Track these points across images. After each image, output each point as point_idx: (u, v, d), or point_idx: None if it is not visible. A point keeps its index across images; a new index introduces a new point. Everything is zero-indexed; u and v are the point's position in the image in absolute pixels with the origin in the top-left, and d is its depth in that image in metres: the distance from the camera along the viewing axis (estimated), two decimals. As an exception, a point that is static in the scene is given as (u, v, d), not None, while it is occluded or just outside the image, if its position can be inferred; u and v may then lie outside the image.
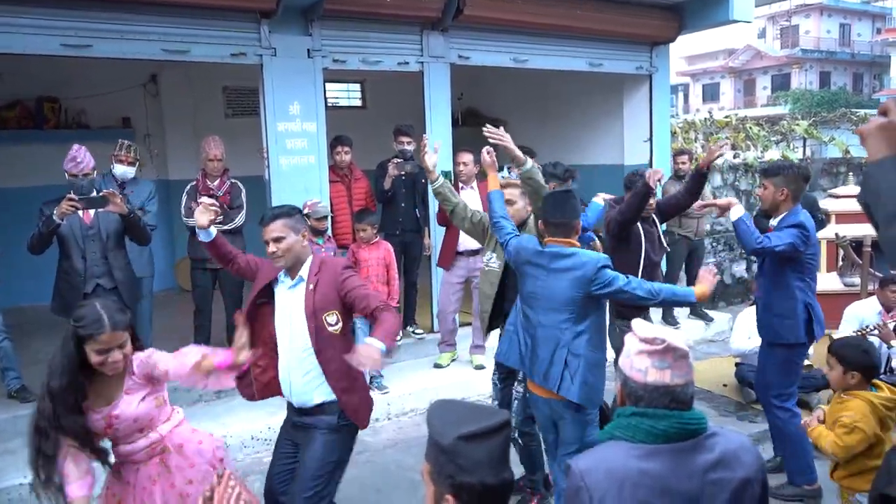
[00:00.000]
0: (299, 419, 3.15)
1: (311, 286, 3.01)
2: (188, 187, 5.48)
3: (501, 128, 3.76)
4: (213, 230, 3.30)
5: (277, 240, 2.99)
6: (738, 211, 3.95)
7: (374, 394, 5.34)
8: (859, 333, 4.95)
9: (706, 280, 3.34)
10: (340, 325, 3.02)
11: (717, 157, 4.49)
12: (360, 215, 5.34)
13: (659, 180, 4.37)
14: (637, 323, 1.73)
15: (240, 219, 5.45)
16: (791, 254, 3.84)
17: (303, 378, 3.06)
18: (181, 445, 2.76)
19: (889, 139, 1.45)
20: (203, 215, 3.19)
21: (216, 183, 5.41)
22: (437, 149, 4.08)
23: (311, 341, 3.00)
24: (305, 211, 4.86)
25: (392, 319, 2.88)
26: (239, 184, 5.53)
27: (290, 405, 3.22)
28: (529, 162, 3.74)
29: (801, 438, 3.96)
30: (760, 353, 4.26)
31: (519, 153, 3.71)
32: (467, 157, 5.66)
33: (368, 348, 2.71)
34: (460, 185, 5.71)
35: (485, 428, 1.51)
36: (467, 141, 9.35)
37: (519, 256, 3.32)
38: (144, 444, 2.70)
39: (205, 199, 3.42)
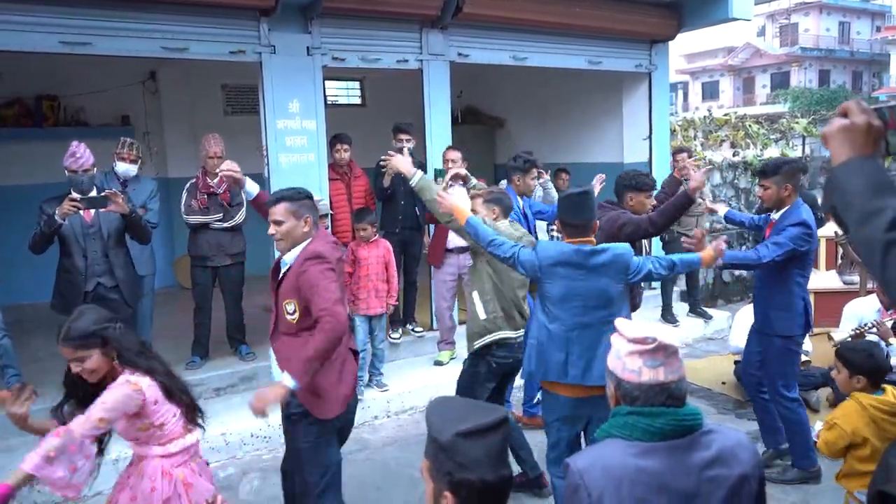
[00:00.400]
0: None
1: (287, 271, 3.06)
2: (188, 185, 5.48)
3: (405, 150, 3.87)
4: (253, 187, 3.42)
5: (277, 223, 3.03)
6: (718, 256, 3.74)
7: (373, 391, 5.38)
8: (857, 332, 4.96)
9: (714, 247, 3.59)
10: (297, 315, 3.00)
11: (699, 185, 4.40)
12: (359, 214, 5.35)
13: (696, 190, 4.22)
14: (621, 322, 1.73)
15: (240, 216, 5.45)
16: (793, 254, 3.90)
17: (275, 360, 3.16)
18: (141, 475, 2.65)
19: (852, 141, 1.44)
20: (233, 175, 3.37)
21: (216, 180, 5.40)
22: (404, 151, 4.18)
23: (270, 325, 3.11)
24: None
25: (317, 343, 2.80)
26: None
27: None
28: (416, 176, 3.86)
29: (806, 423, 4.14)
30: (755, 347, 4.32)
31: (407, 167, 3.92)
32: (455, 155, 5.71)
33: (266, 392, 2.80)
34: (449, 182, 5.73)
35: (483, 425, 1.51)
36: (467, 139, 9.41)
37: (543, 261, 3.24)
38: (132, 451, 2.72)
39: (226, 164, 3.43)
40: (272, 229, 3.05)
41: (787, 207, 4.02)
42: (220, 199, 5.37)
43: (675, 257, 3.51)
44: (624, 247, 3.28)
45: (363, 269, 5.16)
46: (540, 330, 3.32)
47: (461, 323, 6.14)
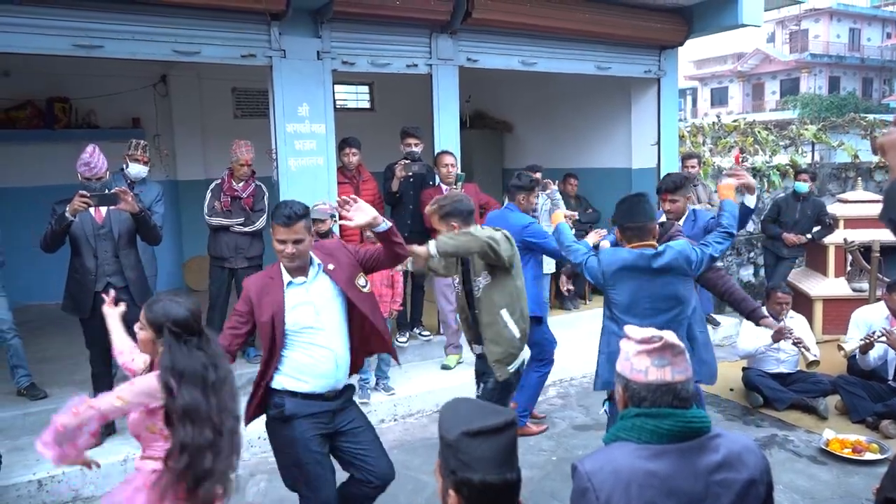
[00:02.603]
0: (331, 404, 3.13)
1: (332, 266, 3.10)
2: (213, 185, 5.53)
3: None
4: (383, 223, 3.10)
5: (298, 241, 2.95)
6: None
7: (380, 395, 5.39)
8: (867, 341, 4.94)
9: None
10: (368, 285, 3.23)
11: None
12: None
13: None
14: (629, 328, 1.74)
15: (261, 222, 5.49)
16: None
17: (345, 358, 3.16)
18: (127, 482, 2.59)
19: None
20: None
21: (241, 185, 5.45)
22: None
23: (346, 314, 3.16)
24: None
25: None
26: (262, 186, 5.55)
27: (310, 400, 3.08)
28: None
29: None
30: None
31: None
32: (452, 160, 5.83)
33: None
34: (444, 186, 5.79)
35: (489, 426, 1.51)
36: (475, 143, 9.42)
37: (607, 269, 3.27)
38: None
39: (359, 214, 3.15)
40: (292, 248, 2.94)
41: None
42: (242, 204, 5.41)
43: (722, 218, 3.54)
44: (681, 243, 3.30)
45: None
46: (610, 338, 3.32)
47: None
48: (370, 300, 3.23)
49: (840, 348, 5.00)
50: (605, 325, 3.42)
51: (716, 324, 7.30)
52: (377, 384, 5.43)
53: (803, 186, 7.35)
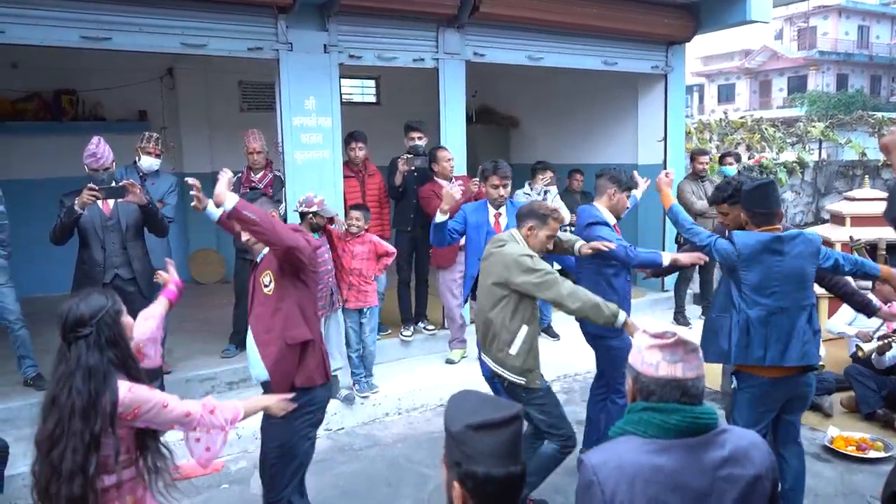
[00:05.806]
0: None
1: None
2: (234, 179, 5.55)
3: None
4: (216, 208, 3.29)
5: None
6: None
7: (380, 394, 5.35)
8: (886, 341, 4.94)
9: None
10: (273, 285, 3.19)
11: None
12: (352, 207, 5.25)
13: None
14: (646, 320, 1.75)
15: (278, 212, 5.48)
16: None
17: (254, 349, 3.28)
18: None
19: None
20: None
21: (258, 176, 5.47)
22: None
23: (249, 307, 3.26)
24: (314, 209, 4.61)
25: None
26: (282, 177, 5.54)
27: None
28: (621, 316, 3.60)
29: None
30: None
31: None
32: (451, 154, 5.87)
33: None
34: (441, 182, 5.79)
35: (493, 419, 1.51)
36: (481, 138, 9.41)
37: (743, 250, 3.37)
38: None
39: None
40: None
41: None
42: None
43: (861, 259, 3.69)
44: (813, 233, 3.48)
45: (346, 262, 5.02)
46: (740, 315, 3.42)
47: (472, 322, 6.14)
48: (268, 303, 3.24)
49: (859, 349, 5.00)
50: (735, 302, 3.46)
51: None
52: (363, 381, 5.27)
53: (730, 170, 7.34)
